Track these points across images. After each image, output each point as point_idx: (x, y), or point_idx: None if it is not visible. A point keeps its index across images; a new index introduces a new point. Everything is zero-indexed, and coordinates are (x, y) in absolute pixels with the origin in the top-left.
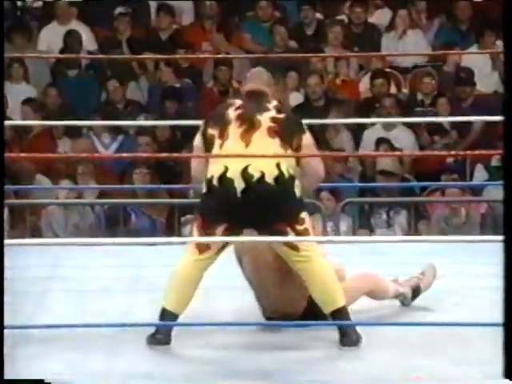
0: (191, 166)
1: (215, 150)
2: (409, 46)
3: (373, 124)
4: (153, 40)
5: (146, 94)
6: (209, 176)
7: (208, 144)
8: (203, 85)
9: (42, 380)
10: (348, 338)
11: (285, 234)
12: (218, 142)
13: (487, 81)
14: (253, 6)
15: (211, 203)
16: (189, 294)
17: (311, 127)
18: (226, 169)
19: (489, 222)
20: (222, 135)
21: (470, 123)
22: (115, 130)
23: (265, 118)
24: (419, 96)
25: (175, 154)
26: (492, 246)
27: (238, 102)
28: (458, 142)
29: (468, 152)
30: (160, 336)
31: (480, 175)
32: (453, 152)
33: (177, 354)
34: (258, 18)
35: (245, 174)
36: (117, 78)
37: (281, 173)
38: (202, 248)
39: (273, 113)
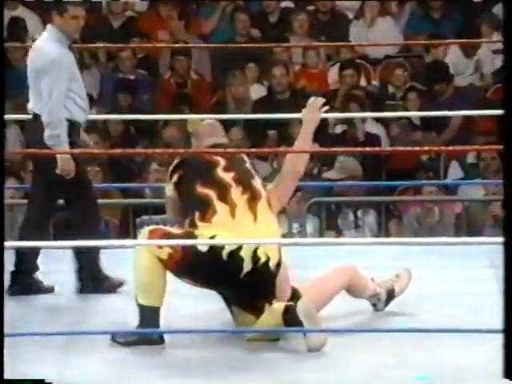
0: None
1: (223, 216)
2: (379, 35)
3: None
4: (104, 28)
5: (98, 85)
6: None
7: (197, 201)
8: (159, 76)
9: (43, 380)
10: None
11: (263, 310)
12: (223, 207)
13: (463, 73)
14: None
15: (208, 269)
16: (160, 283)
17: (275, 122)
18: (240, 246)
19: (464, 223)
20: (225, 200)
21: (446, 118)
22: None
23: (260, 187)
24: (390, 88)
25: (129, 151)
26: (466, 249)
27: (221, 161)
28: (429, 138)
29: (442, 148)
30: (154, 336)
31: (455, 173)
32: (426, 148)
33: (134, 361)
34: (217, 4)
35: (255, 256)
36: None
37: (280, 257)
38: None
39: (258, 179)
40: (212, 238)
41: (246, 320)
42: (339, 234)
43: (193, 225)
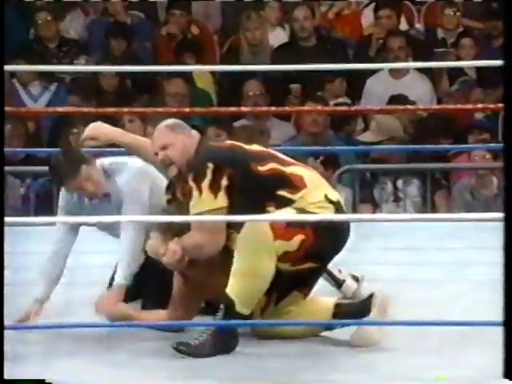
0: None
1: (311, 176)
2: None
3: (378, 70)
4: None
5: (86, 30)
6: (334, 199)
7: (270, 181)
8: (159, 20)
9: (43, 380)
10: None
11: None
12: (296, 169)
13: None
14: None
15: (343, 235)
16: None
17: (298, 74)
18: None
19: None
20: (287, 164)
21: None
22: (46, 78)
23: None
24: (439, 33)
25: (125, 109)
26: None
27: (235, 142)
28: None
29: (500, 105)
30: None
31: None
32: (480, 105)
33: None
34: None
35: None
36: (48, 9)
37: None
38: (287, 233)
39: None
40: (327, 198)
41: (298, 309)
42: (375, 207)
43: (288, 203)
